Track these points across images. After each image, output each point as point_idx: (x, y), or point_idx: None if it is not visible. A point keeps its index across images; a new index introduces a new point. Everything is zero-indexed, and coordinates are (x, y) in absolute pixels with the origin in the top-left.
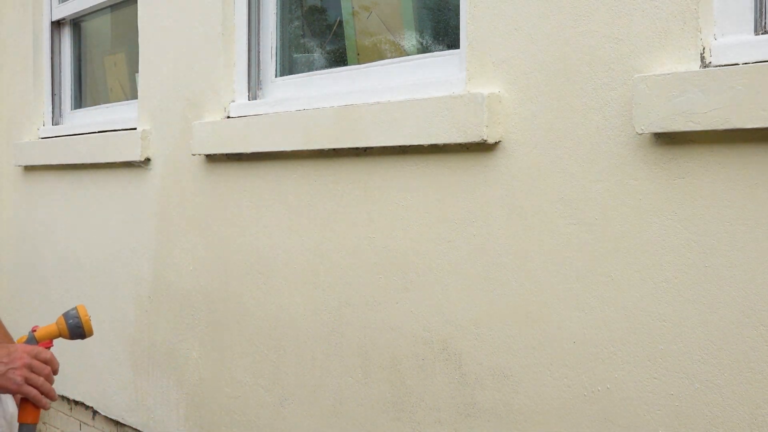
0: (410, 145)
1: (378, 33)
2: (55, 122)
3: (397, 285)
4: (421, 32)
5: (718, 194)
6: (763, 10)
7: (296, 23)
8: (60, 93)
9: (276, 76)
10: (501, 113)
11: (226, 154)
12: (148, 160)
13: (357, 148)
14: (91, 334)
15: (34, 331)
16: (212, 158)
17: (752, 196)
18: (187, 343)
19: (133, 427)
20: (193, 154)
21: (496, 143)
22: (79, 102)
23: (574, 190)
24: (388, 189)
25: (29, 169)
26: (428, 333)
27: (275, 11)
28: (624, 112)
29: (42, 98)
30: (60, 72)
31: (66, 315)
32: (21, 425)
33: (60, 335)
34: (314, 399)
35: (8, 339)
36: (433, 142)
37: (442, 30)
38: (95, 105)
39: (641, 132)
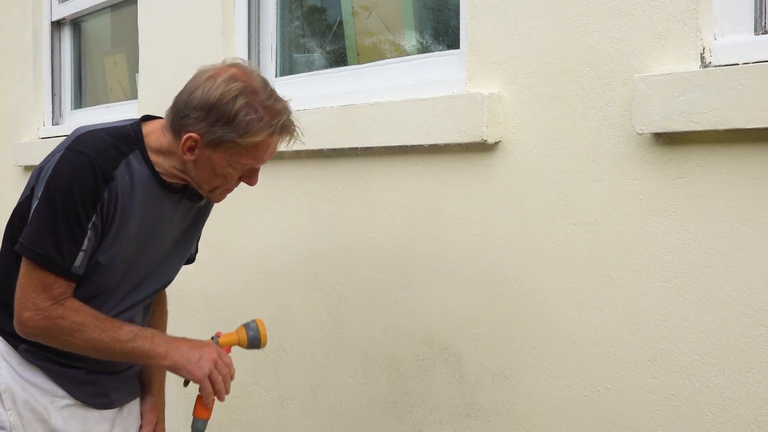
0: (410, 145)
1: (378, 33)
2: (55, 122)
3: (397, 285)
4: (421, 32)
5: (718, 194)
6: (763, 10)
7: (296, 23)
8: (60, 93)
9: (276, 76)
10: (501, 113)
11: None
12: None
13: (357, 148)
14: (264, 345)
15: (218, 336)
16: None
17: (752, 196)
18: None
19: None
20: None
21: (496, 143)
22: (79, 102)
23: (574, 190)
24: (388, 189)
25: (29, 169)
26: (428, 333)
27: (275, 11)
28: (624, 112)
29: (42, 98)
30: (60, 72)
31: (246, 326)
32: (195, 419)
33: (238, 344)
34: (314, 399)
35: None
36: (433, 142)
37: (442, 30)
38: (95, 105)
39: (641, 132)
